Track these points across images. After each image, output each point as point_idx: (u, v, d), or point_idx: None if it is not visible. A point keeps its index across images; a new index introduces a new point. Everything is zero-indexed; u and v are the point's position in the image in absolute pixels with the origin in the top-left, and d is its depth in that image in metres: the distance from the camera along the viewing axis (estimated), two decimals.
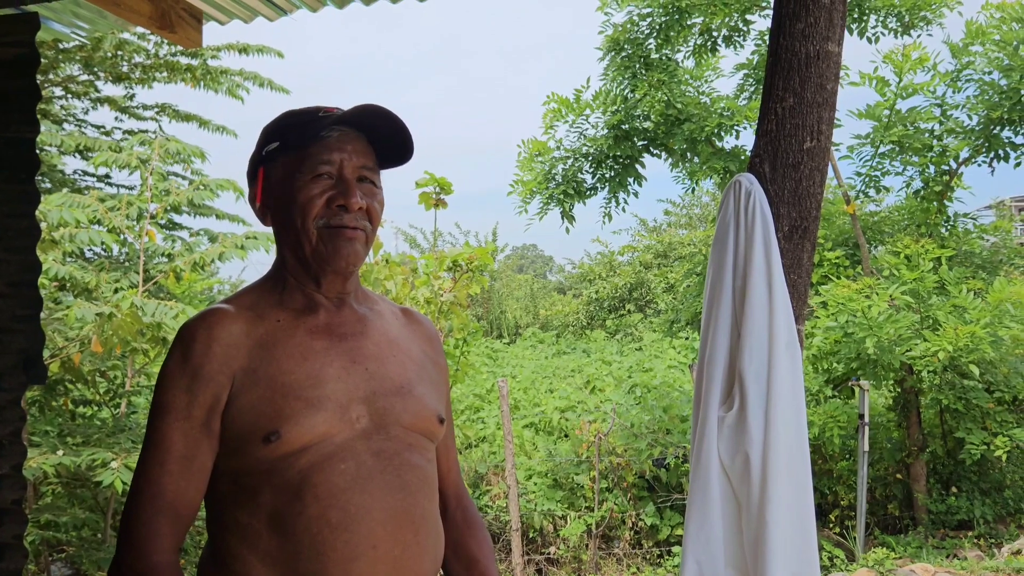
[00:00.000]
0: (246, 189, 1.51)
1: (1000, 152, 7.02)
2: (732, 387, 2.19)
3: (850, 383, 6.94)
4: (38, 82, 2.70)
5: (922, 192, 7.48)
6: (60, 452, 4.51)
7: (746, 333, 2.18)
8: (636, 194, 7.49)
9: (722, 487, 2.17)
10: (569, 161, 7.50)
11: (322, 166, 1.40)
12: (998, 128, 6.94)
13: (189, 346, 1.36)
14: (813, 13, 2.24)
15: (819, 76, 2.25)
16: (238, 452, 1.33)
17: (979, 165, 7.23)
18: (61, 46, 7.37)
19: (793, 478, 2.15)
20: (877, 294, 6.46)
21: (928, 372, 6.71)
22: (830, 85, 2.27)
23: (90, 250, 6.99)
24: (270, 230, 1.49)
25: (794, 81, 2.26)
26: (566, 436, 8.04)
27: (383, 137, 1.45)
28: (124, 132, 8.79)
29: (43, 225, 4.77)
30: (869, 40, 7.25)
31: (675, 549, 6.58)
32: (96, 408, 6.00)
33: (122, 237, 5.54)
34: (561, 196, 7.34)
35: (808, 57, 2.25)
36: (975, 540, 6.77)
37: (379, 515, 1.33)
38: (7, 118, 2.64)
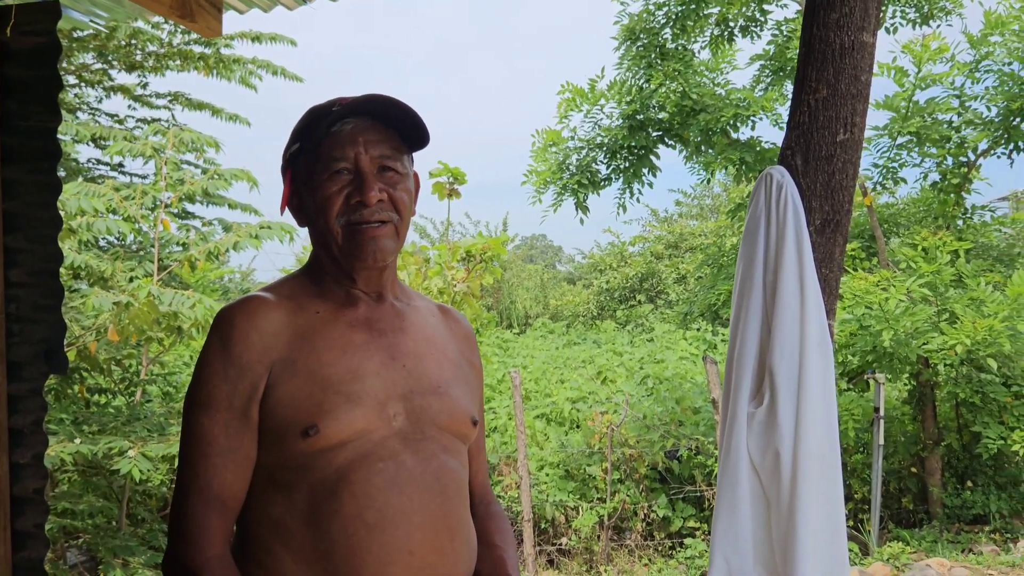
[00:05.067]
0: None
1: (1020, 143, 6.94)
2: (762, 382, 2.16)
3: (865, 376, 6.91)
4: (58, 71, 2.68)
5: (939, 184, 7.42)
6: (77, 440, 4.52)
7: (777, 328, 2.15)
8: (651, 184, 7.44)
9: (751, 484, 2.15)
10: (583, 151, 7.45)
11: (337, 162, 1.37)
12: (1017, 119, 6.87)
13: (228, 334, 1.33)
14: (848, 3, 2.20)
15: (853, 67, 2.21)
16: (275, 445, 1.31)
17: (998, 157, 7.17)
18: (75, 35, 7.35)
19: (824, 476, 2.13)
20: (894, 286, 6.41)
21: (945, 365, 6.67)
22: (864, 76, 2.23)
23: (104, 239, 6.99)
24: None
25: (828, 72, 2.22)
26: (577, 427, 8.01)
27: (398, 124, 1.41)
28: (137, 120, 8.77)
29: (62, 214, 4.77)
30: (887, 30, 7.19)
31: (687, 541, 6.57)
32: (110, 396, 6.01)
33: (137, 226, 5.53)
34: (575, 186, 7.29)
35: (843, 48, 2.21)
36: (991, 535, 6.73)
37: (417, 519, 1.31)
38: (28, 107, 2.62)
